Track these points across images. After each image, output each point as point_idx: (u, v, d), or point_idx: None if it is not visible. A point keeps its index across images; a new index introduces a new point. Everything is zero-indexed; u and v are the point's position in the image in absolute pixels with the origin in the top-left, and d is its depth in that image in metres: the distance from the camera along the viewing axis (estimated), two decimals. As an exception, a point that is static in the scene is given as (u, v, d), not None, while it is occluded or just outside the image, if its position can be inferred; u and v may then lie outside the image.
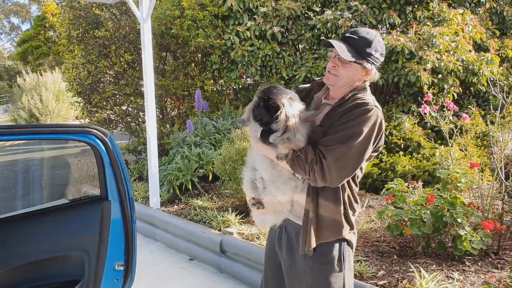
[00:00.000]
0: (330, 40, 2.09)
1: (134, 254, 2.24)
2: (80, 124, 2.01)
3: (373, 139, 2.03)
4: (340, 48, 2.05)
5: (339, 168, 1.98)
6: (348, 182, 2.10)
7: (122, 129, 9.05)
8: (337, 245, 2.14)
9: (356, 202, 2.19)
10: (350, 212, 2.14)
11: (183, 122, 8.07)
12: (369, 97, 2.10)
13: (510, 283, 3.18)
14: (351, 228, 2.17)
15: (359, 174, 2.17)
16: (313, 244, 2.09)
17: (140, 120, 8.82)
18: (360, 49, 2.07)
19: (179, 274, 4.74)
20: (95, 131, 2.03)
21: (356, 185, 2.18)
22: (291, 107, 2.00)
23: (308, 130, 2.07)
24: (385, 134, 6.68)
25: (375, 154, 2.17)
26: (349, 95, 2.11)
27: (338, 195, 2.09)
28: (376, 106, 2.06)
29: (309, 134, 2.06)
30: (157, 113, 8.46)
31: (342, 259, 2.15)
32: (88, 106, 9.16)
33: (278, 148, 2.02)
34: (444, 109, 5.42)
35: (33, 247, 2.05)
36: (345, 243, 2.16)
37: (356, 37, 2.09)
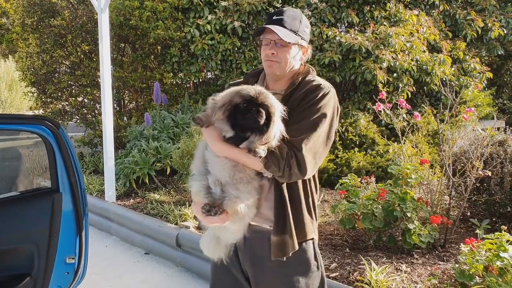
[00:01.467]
0: (268, 26, 1.98)
1: (86, 248, 2.22)
2: (31, 115, 1.96)
3: (335, 120, 1.98)
4: (281, 31, 1.95)
5: (313, 157, 1.89)
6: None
7: (78, 121, 8.83)
8: (310, 243, 2.03)
9: (317, 191, 2.10)
10: (315, 204, 2.05)
11: (141, 115, 7.96)
12: (319, 79, 2.04)
13: (453, 274, 3.33)
14: (316, 221, 2.07)
15: None
16: (296, 246, 1.95)
17: (97, 112, 8.64)
18: (294, 28, 2.01)
19: (134, 268, 4.70)
20: (46, 122, 1.99)
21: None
22: (278, 120, 1.85)
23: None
24: (341, 130, 6.84)
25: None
26: (299, 79, 2.03)
27: (306, 188, 2.00)
28: (331, 87, 2.01)
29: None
30: (115, 105, 8.32)
31: (317, 256, 2.06)
32: (43, 97, 8.89)
33: (256, 147, 1.83)
34: (398, 107, 5.59)
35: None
36: (314, 238, 2.06)
37: (286, 18, 2.01)
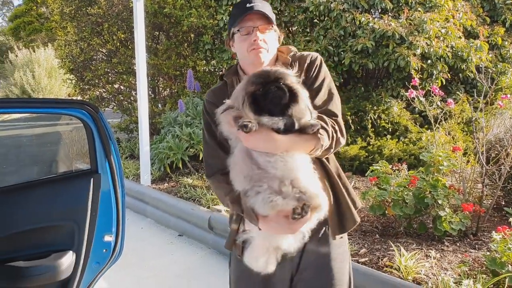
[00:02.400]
0: (249, 11, 1.85)
1: (123, 226, 2.33)
2: (72, 99, 2.08)
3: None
4: (266, 8, 1.89)
5: (341, 118, 1.89)
6: None
7: (114, 107, 9.07)
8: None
9: None
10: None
11: (174, 102, 8.11)
12: (302, 52, 2.01)
13: (484, 262, 3.31)
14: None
15: None
16: (357, 218, 1.95)
17: (132, 99, 8.85)
18: (268, 12, 1.90)
19: (168, 249, 4.86)
20: (86, 106, 2.10)
21: None
22: (302, 90, 1.69)
23: None
24: (374, 117, 6.79)
25: None
26: (290, 59, 1.94)
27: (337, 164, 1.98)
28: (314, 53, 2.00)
29: None
30: (149, 92, 8.49)
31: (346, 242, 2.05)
32: (81, 84, 9.17)
33: (309, 123, 1.67)
34: (431, 95, 5.52)
35: (24, 217, 2.13)
36: None
37: (258, 3, 1.89)
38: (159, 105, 8.68)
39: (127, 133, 8.88)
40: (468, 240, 4.02)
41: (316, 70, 1.92)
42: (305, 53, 1.98)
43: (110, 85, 8.83)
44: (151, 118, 7.57)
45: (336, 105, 1.89)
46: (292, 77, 1.68)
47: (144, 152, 6.09)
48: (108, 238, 2.30)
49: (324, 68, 1.95)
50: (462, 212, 3.87)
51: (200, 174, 6.32)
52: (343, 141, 1.84)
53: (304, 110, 1.66)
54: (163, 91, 9.21)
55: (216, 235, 4.74)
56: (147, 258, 4.64)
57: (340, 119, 1.86)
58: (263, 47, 1.86)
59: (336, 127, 1.80)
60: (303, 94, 1.67)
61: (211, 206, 5.03)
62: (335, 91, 1.93)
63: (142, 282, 4.16)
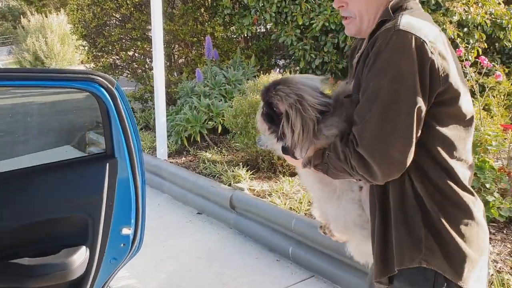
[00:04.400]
0: None
1: (143, 218, 2.04)
2: (83, 70, 1.73)
3: (411, 77, 1.30)
4: None
5: (383, 149, 1.33)
6: (420, 164, 1.39)
7: (128, 76, 8.76)
8: (425, 275, 1.40)
9: (458, 201, 1.41)
10: (444, 220, 1.39)
11: (191, 71, 7.75)
12: (400, 19, 1.35)
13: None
14: (450, 249, 1.39)
15: (453, 139, 1.40)
16: (386, 271, 1.45)
17: (147, 67, 8.50)
18: None
19: (187, 228, 4.60)
20: (100, 78, 1.75)
21: (448, 166, 1.40)
22: (296, 114, 1.45)
23: (342, 112, 1.49)
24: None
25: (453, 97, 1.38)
26: (377, 33, 1.40)
27: (403, 191, 1.40)
28: (403, 27, 1.32)
29: (347, 116, 1.46)
30: (165, 60, 8.13)
31: None
32: (93, 50, 8.84)
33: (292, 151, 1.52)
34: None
35: (33, 207, 1.84)
36: (442, 275, 1.39)
37: None
38: (175, 74, 8.32)
39: (142, 102, 8.57)
40: (515, 227, 3.67)
41: (369, 63, 1.37)
42: (386, 28, 1.37)
43: (124, 52, 8.48)
44: (167, 88, 7.22)
45: (373, 127, 1.33)
46: (287, 95, 1.47)
47: (160, 124, 5.77)
48: (126, 231, 2.00)
49: (389, 59, 1.32)
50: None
51: (219, 149, 6.00)
52: (374, 180, 1.38)
53: (288, 138, 1.47)
54: (178, 59, 8.83)
55: (238, 214, 4.45)
56: (164, 237, 4.38)
57: (364, 148, 1.34)
58: (348, 16, 1.52)
59: (353, 161, 1.37)
60: (293, 119, 1.44)
61: (233, 184, 4.72)
62: (388, 108, 1.32)
63: (161, 265, 3.91)
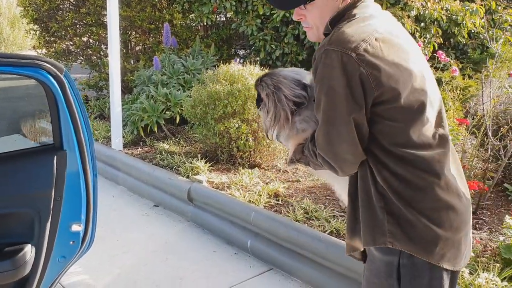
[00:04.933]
0: None
1: (94, 214, 1.91)
2: (29, 56, 1.57)
3: (342, 91, 1.44)
4: None
5: (333, 151, 1.53)
6: (377, 155, 1.52)
7: (83, 62, 8.42)
8: (388, 257, 1.55)
9: (417, 184, 1.51)
10: (406, 205, 1.50)
11: (149, 59, 7.53)
12: (332, 35, 1.50)
13: (492, 246, 3.06)
14: (417, 231, 1.50)
15: (417, 134, 1.51)
16: (354, 248, 1.66)
17: (102, 54, 8.20)
18: None
19: (143, 221, 4.46)
20: (47, 65, 1.61)
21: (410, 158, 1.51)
22: (270, 102, 1.72)
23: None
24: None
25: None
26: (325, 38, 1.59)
27: (366, 179, 1.55)
28: (331, 46, 1.46)
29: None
30: (121, 47, 7.87)
31: (395, 276, 1.55)
32: (45, 35, 8.44)
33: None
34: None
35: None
36: (406, 256, 1.52)
37: None
38: (132, 61, 8.07)
39: (96, 90, 8.27)
40: (468, 219, 3.76)
41: (315, 74, 1.54)
42: (323, 42, 1.54)
43: (78, 38, 8.14)
44: (123, 75, 6.98)
45: (323, 127, 1.52)
46: (266, 92, 1.74)
47: (115, 113, 5.57)
48: (76, 227, 1.87)
49: (325, 75, 1.47)
50: (466, 190, 3.59)
51: (177, 139, 5.86)
52: (338, 173, 1.59)
53: (268, 124, 1.74)
54: (135, 46, 8.56)
55: (196, 207, 4.36)
56: (119, 231, 4.23)
57: (320, 145, 1.56)
58: (307, 27, 1.67)
59: (319, 158, 1.60)
60: (268, 109, 1.72)
61: (191, 176, 4.62)
62: (330, 110, 1.49)
63: (115, 259, 3.77)
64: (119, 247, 3.95)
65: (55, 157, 1.75)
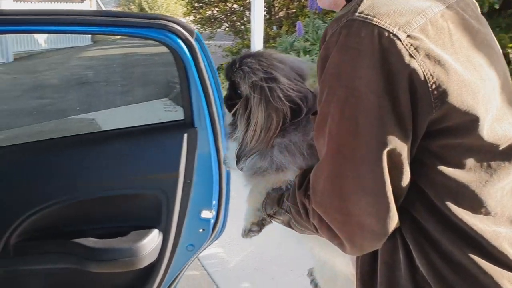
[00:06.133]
0: None
1: (227, 200, 1.69)
2: (156, 15, 1.33)
3: (375, 100, 0.77)
4: None
5: (343, 211, 0.84)
6: (426, 227, 0.85)
7: (227, 29, 8.51)
8: None
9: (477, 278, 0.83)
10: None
11: (292, 24, 7.30)
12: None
13: None
14: None
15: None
16: None
17: (246, 19, 8.17)
18: None
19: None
20: (176, 26, 1.35)
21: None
22: (256, 98, 1.03)
23: (308, 129, 1.02)
24: None
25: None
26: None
27: (394, 264, 0.90)
28: (361, 14, 0.79)
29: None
30: (264, 12, 7.74)
31: None
32: (193, 2, 8.70)
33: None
34: None
35: (95, 180, 1.56)
36: None
37: None
38: (274, 28, 7.90)
39: (238, 58, 8.31)
40: None
41: (319, 70, 0.87)
42: (345, 8, 0.87)
43: (223, 4, 8.21)
44: (265, 42, 6.84)
45: (319, 141, 0.86)
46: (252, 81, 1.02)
47: (256, 81, 5.44)
48: (207, 214, 1.65)
49: (333, 79, 0.81)
50: None
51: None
52: (347, 250, 0.88)
53: (250, 136, 1.01)
54: (279, 11, 8.37)
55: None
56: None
57: (314, 170, 0.87)
58: None
59: (316, 223, 0.89)
60: (259, 109, 1.00)
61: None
62: (345, 131, 0.81)
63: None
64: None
65: (185, 135, 1.53)
